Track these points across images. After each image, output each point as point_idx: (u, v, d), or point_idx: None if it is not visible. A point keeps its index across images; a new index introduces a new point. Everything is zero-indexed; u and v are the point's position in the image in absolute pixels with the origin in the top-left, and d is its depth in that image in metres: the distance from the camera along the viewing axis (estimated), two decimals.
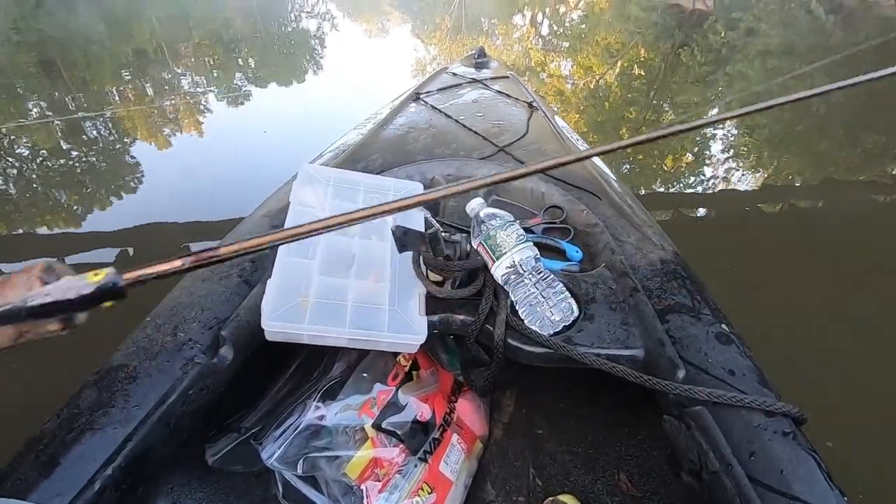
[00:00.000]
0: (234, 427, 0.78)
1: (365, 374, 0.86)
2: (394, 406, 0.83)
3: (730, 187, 3.25)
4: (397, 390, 0.85)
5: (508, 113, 1.30)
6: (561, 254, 0.88)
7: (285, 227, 0.77)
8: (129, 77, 4.51)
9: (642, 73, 5.24)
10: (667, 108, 4.49)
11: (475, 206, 0.83)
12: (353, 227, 0.83)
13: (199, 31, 5.66)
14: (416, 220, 0.86)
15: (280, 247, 0.74)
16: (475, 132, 1.18)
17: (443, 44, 6.40)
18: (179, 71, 4.87)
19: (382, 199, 0.88)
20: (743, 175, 3.42)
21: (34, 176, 2.88)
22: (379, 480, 0.78)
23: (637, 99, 4.69)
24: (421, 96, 1.37)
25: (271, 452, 0.74)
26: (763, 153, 3.66)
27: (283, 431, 0.76)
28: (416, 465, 0.81)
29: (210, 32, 5.76)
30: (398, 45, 6.43)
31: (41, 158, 3.05)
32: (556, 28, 6.91)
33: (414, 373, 0.90)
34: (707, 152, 3.70)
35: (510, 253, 0.76)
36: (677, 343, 0.68)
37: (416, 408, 0.85)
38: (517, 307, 0.77)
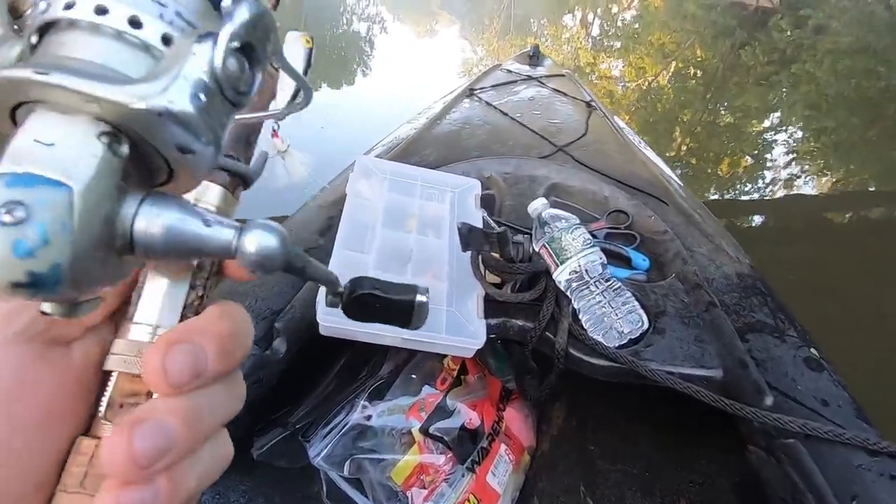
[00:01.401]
0: (281, 422, 0.77)
1: (413, 376, 0.83)
2: (442, 411, 0.80)
3: (791, 194, 3.07)
4: (446, 395, 0.82)
5: (566, 112, 1.25)
6: (626, 261, 0.83)
7: (342, 218, 0.76)
8: None
9: (698, 73, 5.04)
10: (724, 111, 4.30)
11: (538, 206, 0.78)
12: (411, 221, 0.80)
13: None
14: (475, 218, 0.83)
15: (336, 240, 0.72)
16: (532, 130, 1.13)
17: (490, 44, 6.34)
18: None
19: (439, 194, 0.86)
20: (807, 182, 3.22)
21: None
22: (425, 488, 0.75)
23: (692, 101, 4.51)
24: (475, 92, 1.34)
25: (318, 451, 0.72)
26: (830, 159, 3.43)
27: (331, 430, 0.74)
28: (463, 475, 0.77)
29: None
30: (447, 45, 6.42)
31: None
32: (607, 28, 6.73)
33: (462, 377, 0.86)
34: (767, 157, 3.51)
35: (575, 258, 0.72)
36: (760, 366, 0.62)
37: (465, 414, 0.81)
38: (580, 315, 0.72)
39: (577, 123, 1.17)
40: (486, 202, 0.94)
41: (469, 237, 0.67)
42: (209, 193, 0.22)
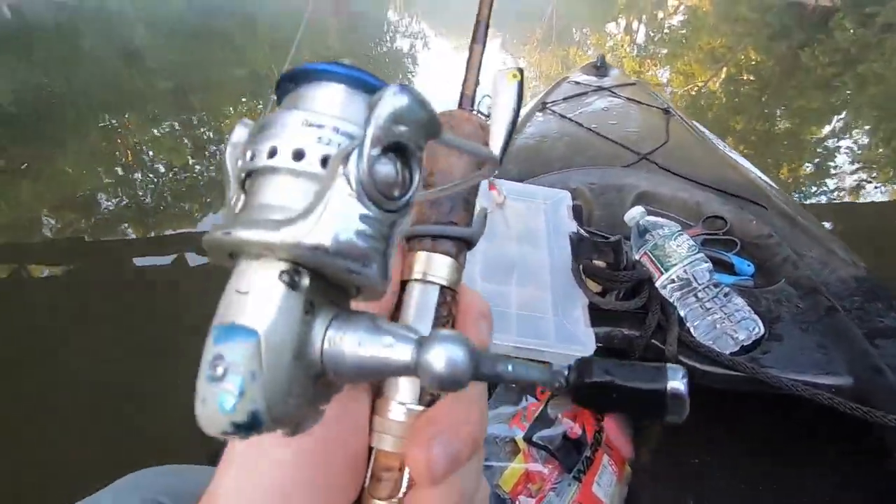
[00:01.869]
0: None
1: (513, 385, 0.84)
2: (543, 419, 0.81)
3: (858, 202, 2.89)
4: (546, 404, 0.82)
5: (643, 120, 1.25)
6: (727, 267, 0.81)
7: None
8: (245, 98, 4.94)
9: (752, 78, 4.88)
10: (780, 116, 4.13)
11: (636, 214, 0.79)
12: (509, 233, 0.82)
13: (304, 54, 6.11)
14: (570, 228, 0.84)
15: None
16: (612, 140, 1.14)
17: (532, 55, 6.37)
18: None
19: (532, 207, 0.87)
20: (876, 188, 3.03)
21: (166, 188, 3.22)
22: (532, 496, 0.76)
23: (745, 106, 4.35)
24: (547, 105, 1.36)
25: None
26: None
27: None
28: (569, 484, 0.77)
29: (313, 55, 6.18)
30: (488, 58, 6.49)
31: (172, 173, 3.40)
32: (653, 34, 6.64)
33: None
34: (830, 164, 3.33)
35: (681, 264, 0.71)
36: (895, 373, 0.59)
37: (566, 423, 0.81)
38: (688, 323, 0.72)
39: (656, 130, 1.16)
40: (575, 213, 0.94)
41: (580, 247, 0.68)
42: (435, 265, 0.22)
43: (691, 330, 0.71)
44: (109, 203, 2.92)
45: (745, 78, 4.94)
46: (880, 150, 3.45)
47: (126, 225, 2.73)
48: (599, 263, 0.75)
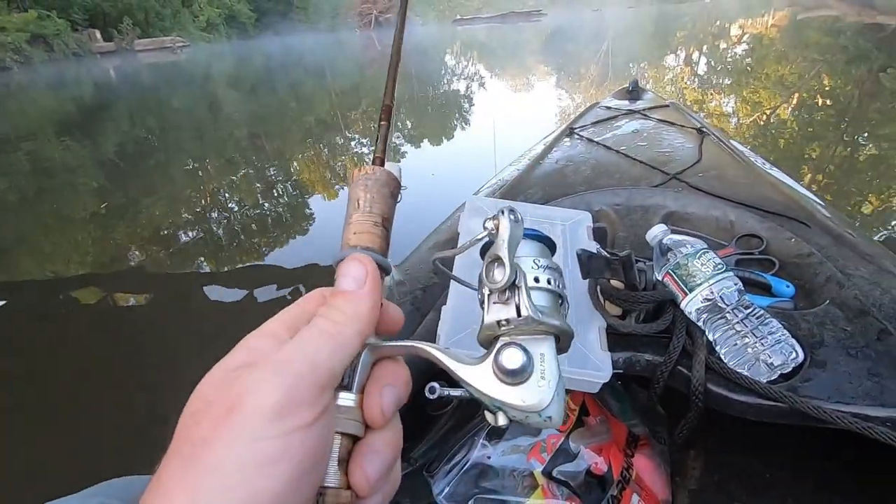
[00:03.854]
0: (404, 456, 0.78)
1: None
2: (564, 453, 0.76)
3: None
4: (567, 436, 0.77)
5: (675, 140, 1.20)
6: (765, 289, 0.75)
7: (456, 256, 0.78)
8: (311, 142, 5.28)
9: (828, 103, 4.59)
10: (864, 143, 3.84)
11: (658, 233, 0.75)
12: None
13: (367, 100, 6.47)
14: (589, 249, 0.81)
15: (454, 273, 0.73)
16: (640, 161, 1.10)
17: (588, 91, 6.38)
18: (349, 135, 5.55)
19: (550, 228, 0.85)
20: None
21: (237, 225, 3.45)
22: None
23: (822, 133, 4.09)
24: (575, 130, 1.34)
25: (441, 488, 0.71)
26: None
27: (452, 468, 0.73)
28: None
29: (376, 101, 6.54)
30: (543, 96, 6.57)
31: (243, 211, 3.65)
32: (715, 64, 6.44)
33: (583, 418, 0.81)
34: None
35: (706, 284, 0.66)
36: None
37: (590, 458, 0.76)
38: (717, 347, 0.66)
39: (689, 150, 1.12)
40: (598, 236, 0.91)
41: (590, 264, 0.65)
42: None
43: (721, 355, 0.65)
44: (187, 238, 3.18)
45: (819, 104, 4.66)
46: None
47: (201, 258, 2.94)
48: (618, 284, 0.72)
